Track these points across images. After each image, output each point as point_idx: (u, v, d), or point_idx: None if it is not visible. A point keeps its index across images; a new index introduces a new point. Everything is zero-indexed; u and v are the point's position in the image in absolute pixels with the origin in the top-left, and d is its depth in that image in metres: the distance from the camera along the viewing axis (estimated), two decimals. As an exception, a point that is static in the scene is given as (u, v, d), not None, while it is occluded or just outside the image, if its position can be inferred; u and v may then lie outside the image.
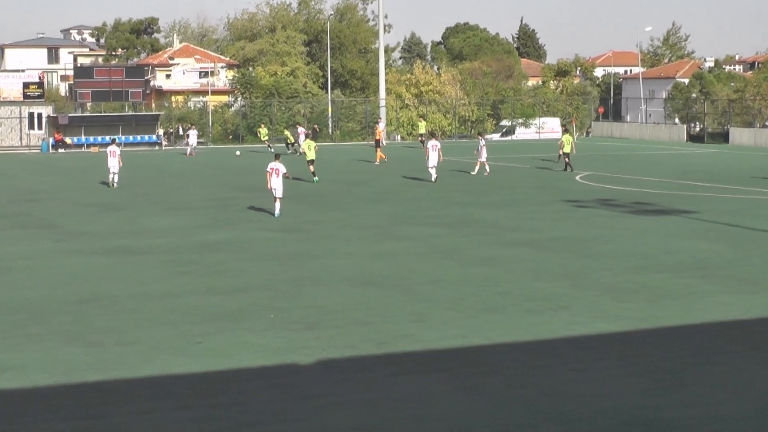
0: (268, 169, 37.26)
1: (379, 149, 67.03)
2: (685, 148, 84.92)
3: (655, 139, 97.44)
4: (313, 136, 69.73)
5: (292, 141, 77.65)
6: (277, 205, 37.03)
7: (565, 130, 62.15)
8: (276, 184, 36.87)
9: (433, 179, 50.52)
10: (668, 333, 19.03)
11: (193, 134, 78.89)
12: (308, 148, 52.10)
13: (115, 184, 49.58)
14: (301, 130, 79.07)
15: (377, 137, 69.39)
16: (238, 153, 72.86)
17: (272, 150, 71.12)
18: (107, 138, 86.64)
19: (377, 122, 79.06)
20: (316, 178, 50.89)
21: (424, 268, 26.10)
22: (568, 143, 58.04)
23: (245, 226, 34.83)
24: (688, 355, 17.32)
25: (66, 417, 14.11)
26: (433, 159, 50.71)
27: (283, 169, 37.29)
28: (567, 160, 57.75)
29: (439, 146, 51.60)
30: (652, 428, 13.53)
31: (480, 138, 57.66)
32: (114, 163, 49.64)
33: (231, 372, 16.38)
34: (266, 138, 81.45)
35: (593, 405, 14.48)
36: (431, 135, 61.45)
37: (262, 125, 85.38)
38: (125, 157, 55.64)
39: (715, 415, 14.06)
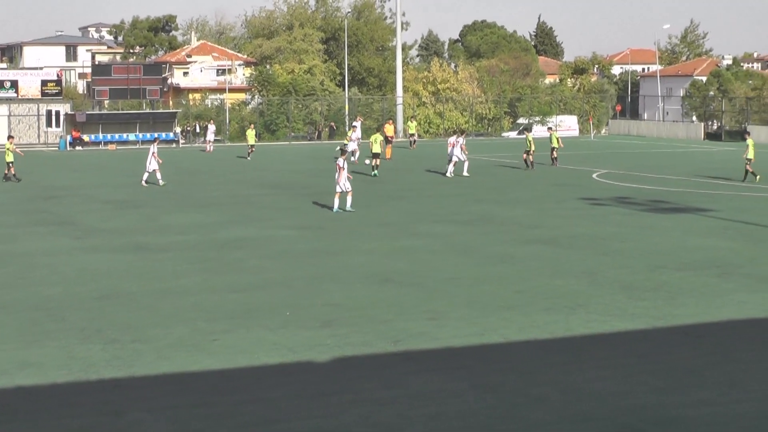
0: (340, 163, 37.79)
1: (389, 146, 67.53)
2: (703, 146, 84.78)
3: (672, 137, 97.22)
4: (330, 133, 69.15)
5: (253, 143, 72.46)
6: (348, 199, 37.60)
7: (526, 130, 63.31)
8: (342, 179, 37.46)
9: (448, 174, 52.98)
10: (686, 331, 19.01)
11: (210, 129, 79.31)
12: (374, 141, 53.50)
13: (160, 182, 49.26)
14: (356, 124, 76.07)
15: (389, 134, 69.60)
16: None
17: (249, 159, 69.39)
18: (125, 136, 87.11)
19: (388, 121, 78.53)
20: (374, 172, 53.28)
21: (442, 265, 26.12)
22: (531, 142, 58.34)
23: (264, 223, 34.89)
24: (706, 354, 17.30)
25: (85, 413, 14.16)
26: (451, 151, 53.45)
27: (347, 164, 38.13)
28: (531, 159, 58.25)
29: (450, 141, 54.60)
30: (670, 427, 13.52)
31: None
32: (154, 162, 49.38)
33: (248, 369, 16.42)
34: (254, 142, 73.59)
35: (611, 403, 14.47)
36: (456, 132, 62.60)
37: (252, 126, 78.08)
38: (142, 154, 55.79)
39: (733, 414, 14.05)
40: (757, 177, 49.46)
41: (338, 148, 43.75)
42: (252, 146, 71.41)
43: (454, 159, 53.09)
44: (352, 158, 60.41)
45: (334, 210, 37.45)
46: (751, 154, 50.03)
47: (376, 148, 53.27)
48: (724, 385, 15.36)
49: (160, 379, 15.89)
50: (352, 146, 61.38)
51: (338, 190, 37.56)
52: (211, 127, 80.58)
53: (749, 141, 51.02)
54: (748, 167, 50.11)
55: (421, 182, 50.74)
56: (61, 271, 25.54)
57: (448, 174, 52.79)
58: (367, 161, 53.47)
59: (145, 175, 49.58)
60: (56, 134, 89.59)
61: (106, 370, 16.27)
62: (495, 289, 22.86)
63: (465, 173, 52.60)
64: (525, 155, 58.32)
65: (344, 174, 37.42)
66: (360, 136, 74.99)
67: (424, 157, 68.38)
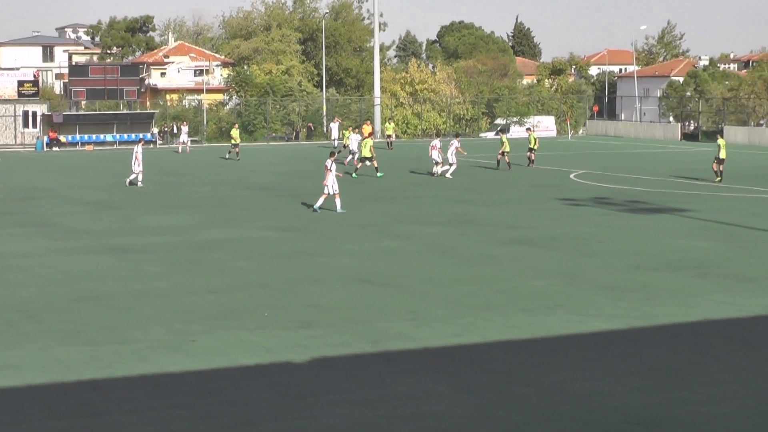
0: (328, 164, 37.84)
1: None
2: (680, 147, 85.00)
3: (649, 138, 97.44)
4: (308, 134, 68.75)
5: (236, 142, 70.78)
6: (337, 201, 37.58)
7: (502, 131, 63.35)
8: (329, 181, 37.45)
9: (435, 173, 53.21)
10: (664, 331, 19.07)
11: (183, 129, 79.91)
12: (364, 145, 53.57)
13: (139, 183, 48.99)
14: (333, 125, 74.84)
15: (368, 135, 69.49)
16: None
17: (227, 157, 69.17)
18: (102, 137, 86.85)
19: (366, 122, 78.45)
20: (363, 173, 53.20)
21: (421, 266, 26.12)
22: (506, 143, 58.26)
23: (244, 224, 34.80)
24: (685, 354, 17.35)
25: (66, 415, 14.12)
26: (434, 156, 53.22)
27: (335, 166, 38.23)
28: (507, 159, 58.01)
29: (432, 144, 54.12)
30: (650, 427, 13.55)
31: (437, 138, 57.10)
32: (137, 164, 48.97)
33: (227, 370, 16.40)
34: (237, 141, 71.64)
35: (591, 403, 14.50)
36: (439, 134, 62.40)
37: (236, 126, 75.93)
38: (120, 155, 55.62)
39: (712, 414, 14.10)
40: (718, 179, 49.64)
41: (346, 149, 43.95)
42: (236, 145, 70.37)
43: (449, 161, 52.98)
44: (349, 157, 60.87)
45: (314, 207, 37.46)
46: (723, 154, 50.22)
47: (366, 152, 53.18)
48: (704, 385, 15.42)
49: (140, 381, 15.84)
50: (353, 146, 61.49)
51: (326, 191, 37.50)
52: (184, 128, 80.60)
53: (720, 141, 51.22)
54: (714, 167, 50.34)
55: (401, 183, 50.70)
56: (39, 273, 25.42)
57: (435, 170, 52.99)
58: (367, 164, 53.58)
59: (132, 176, 49.29)
60: (33, 135, 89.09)
61: (85, 372, 16.21)
62: (475, 290, 22.87)
63: (448, 175, 52.51)
64: (499, 156, 58.32)
65: (331, 176, 37.35)
66: (338, 137, 74.85)
67: (402, 158, 68.30)
